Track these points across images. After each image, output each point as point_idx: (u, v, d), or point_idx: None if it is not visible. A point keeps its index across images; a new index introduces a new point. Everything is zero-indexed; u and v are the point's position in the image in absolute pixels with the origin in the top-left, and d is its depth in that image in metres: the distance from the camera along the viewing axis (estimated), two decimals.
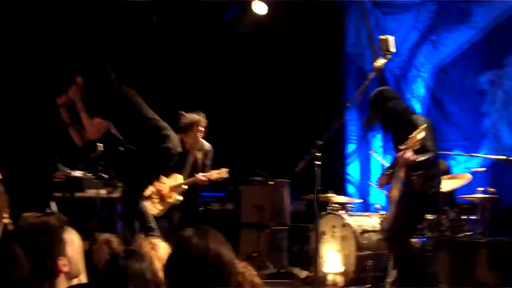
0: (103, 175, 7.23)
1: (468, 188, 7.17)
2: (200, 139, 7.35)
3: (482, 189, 6.84)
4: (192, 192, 7.30)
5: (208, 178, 7.19)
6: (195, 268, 2.45)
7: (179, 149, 6.15)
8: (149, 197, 7.05)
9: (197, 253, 2.46)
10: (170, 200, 7.14)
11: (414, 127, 5.61)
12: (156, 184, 6.97)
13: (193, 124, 7.25)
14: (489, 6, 8.56)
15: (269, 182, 7.89)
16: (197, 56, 9.88)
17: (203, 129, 7.30)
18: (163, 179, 7.09)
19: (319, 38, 9.91)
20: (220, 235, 2.56)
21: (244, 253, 7.29)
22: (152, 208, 7.05)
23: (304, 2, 9.57)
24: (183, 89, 9.34)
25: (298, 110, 9.82)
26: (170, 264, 2.56)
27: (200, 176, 7.17)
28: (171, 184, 7.15)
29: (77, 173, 7.45)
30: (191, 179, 7.20)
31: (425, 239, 6.40)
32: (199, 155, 7.42)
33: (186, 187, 7.17)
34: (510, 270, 6.07)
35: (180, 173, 7.18)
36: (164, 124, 6.00)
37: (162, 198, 7.12)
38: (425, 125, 5.55)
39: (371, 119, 6.16)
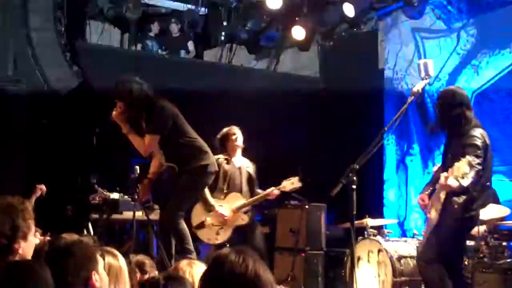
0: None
1: (510, 214, 7.03)
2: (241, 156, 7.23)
3: None
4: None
5: (282, 191, 7.03)
6: (232, 286, 2.34)
7: (216, 167, 6.17)
8: (209, 226, 7.00)
9: (234, 270, 2.34)
10: (237, 223, 6.99)
11: (470, 145, 5.19)
12: (216, 210, 6.92)
13: (226, 137, 7.14)
14: None
15: (305, 206, 7.79)
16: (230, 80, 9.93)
17: (238, 140, 7.13)
18: (220, 202, 7.02)
19: (359, 62, 9.89)
20: (258, 256, 2.44)
21: (279, 278, 7.22)
22: (216, 236, 6.97)
23: (344, 27, 9.59)
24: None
25: (336, 133, 9.79)
26: (205, 280, 2.44)
27: (273, 190, 6.99)
28: (233, 206, 6.99)
29: (115, 195, 7.53)
30: (262, 194, 7.05)
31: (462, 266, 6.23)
32: (250, 171, 7.26)
33: (248, 207, 7.05)
34: None
35: (237, 189, 7.11)
36: (202, 142, 6.05)
37: (225, 222, 6.96)
38: (469, 159, 4.98)
39: (434, 124, 5.68)
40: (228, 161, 7.17)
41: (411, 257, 6.91)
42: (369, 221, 7.36)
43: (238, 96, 9.26)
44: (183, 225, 5.97)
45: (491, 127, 8.68)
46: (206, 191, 6.79)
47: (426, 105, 9.32)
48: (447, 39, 9.33)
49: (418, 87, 5.40)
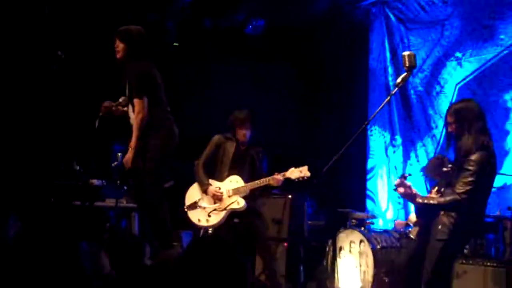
0: (122, 184, 7.25)
1: (489, 207, 7.07)
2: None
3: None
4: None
5: (287, 178, 6.25)
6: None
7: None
8: (201, 207, 6.68)
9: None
10: (232, 207, 6.53)
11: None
12: (210, 189, 6.59)
13: (234, 121, 6.73)
14: None
15: (288, 196, 7.76)
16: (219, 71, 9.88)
17: (245, 125, 6.67)
18: (218, 183, 6.65)
19: (343, 52, 9.89)
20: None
21: (261, 267, 7.21)
22: (207, 218, 6.60)
23: (329, 17, 9.58)
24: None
25: (320, 123, 9.80)
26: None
27: (277, 176, 6.28)
28: (231, 187, 6.57)
29: (97, 182, 7.48)
30: (263, 179, 6.41)
31: None
32: (255, 155, 6.80)
33: (247, 191, 6.53)
34: None
35: (238, 173, 6.64)
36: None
37: (220, 203, 6.57)
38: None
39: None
40: (233, 141, 6.78)
41: (392, 247, 6.96)
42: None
43: None
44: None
45: None
46: (202, 170, 6.69)
47: (409, 97, 9.34)
48: (432, 30, 9.33)
49: (402, 79, 5.39)
